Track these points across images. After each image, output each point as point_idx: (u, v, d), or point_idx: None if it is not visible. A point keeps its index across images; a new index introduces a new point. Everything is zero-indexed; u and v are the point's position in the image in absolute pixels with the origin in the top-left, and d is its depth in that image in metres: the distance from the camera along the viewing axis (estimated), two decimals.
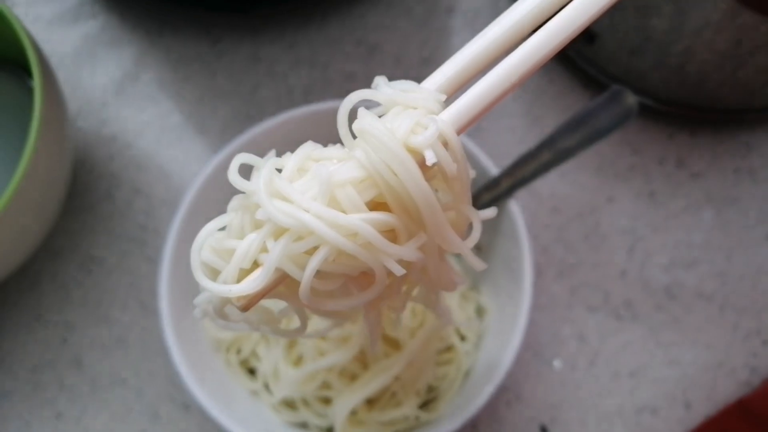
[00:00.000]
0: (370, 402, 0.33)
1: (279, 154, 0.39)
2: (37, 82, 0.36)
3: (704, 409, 0.40)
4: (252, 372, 0.37)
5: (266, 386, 0.36)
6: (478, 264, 0.23)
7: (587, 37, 0.43)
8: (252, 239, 0.21)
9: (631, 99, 0.31)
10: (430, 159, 0.20)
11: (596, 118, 0.32)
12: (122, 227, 0.45)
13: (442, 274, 0.23)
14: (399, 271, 0.21)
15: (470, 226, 0.23)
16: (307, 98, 0.48)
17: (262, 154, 0.38)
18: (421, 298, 0.26)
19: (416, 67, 0.49)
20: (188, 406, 0.41)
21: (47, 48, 0.47)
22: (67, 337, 0.43)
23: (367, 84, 0.51)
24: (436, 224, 0.21)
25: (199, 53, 0.49)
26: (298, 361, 0.35)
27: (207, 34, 0.50)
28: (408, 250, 0.21)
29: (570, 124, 0.33)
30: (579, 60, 0.46)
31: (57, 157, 0.38)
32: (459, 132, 0.21)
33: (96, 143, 0.47)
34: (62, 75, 0.49)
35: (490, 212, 0.24)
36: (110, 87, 0.49)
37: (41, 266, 0.44)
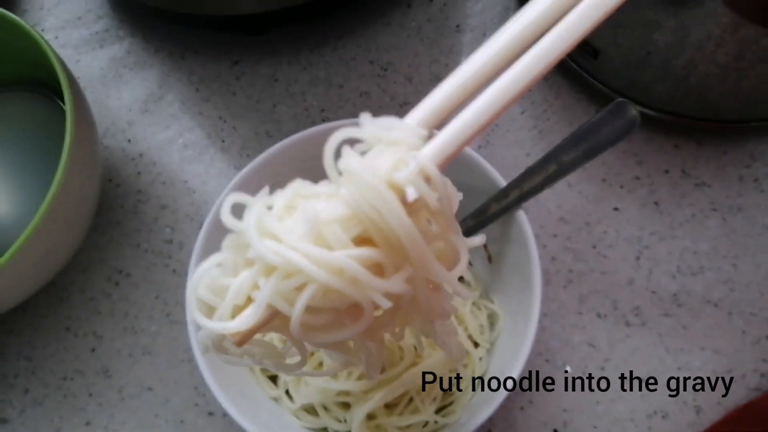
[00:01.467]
0: (388, 406, 0.35)
1: (294, 173, 0.41)
2: (68, 103, 0.38)
3: (715, 414, 0.41)
4: (274, 379, 0.39)
5: (287, 393, 0.38)
6: (464, 293, 0.24)
7: (591, 51, 0.45)
8: (244, 277, 0.22)
9: (633, 111, 0.32)
10: (411, 195, 0.21)
11: (600, 130, 0.34)
12: (148, 241, 0.47)
13: (433, 303, 0.23)
14: (385, 304, 0.21)
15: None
16: (323, 116, 0.50)
17: (280, 171, 0.40)
18: (420, 328, 0.26)
19: (427, 83, 0.51)
20: (212, 413, 0.43)
21: (76, 70, 0.50)
22: (95, 347, 0.45)
23: (380, 102, 0.53)
24: (421, 257, 0.21)
25: (219, 74, 0.52)
26: (319, 368, 0.36)
27: (226, 55, 0.52)
28: (394, 284, 0.21)
29: (575, 136, 0.34)
30: (584, 74, 0.47)
31: (87, 175, 0.40)
32: (442, 166, 0.22)
33: (123, 161, 0.49)
34: (90, 96, 0.51)
35: (479, 240, 0.25)
36: (135, 107, 0.51)
37: (71, 279, 0.46)
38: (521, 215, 0.36)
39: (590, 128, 0.34)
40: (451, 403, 0.37)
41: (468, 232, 0.39)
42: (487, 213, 0.37)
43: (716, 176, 0.46)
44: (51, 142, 0.46)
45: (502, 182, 0.37)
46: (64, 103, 0.46)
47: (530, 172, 0.36)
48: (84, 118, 0.40)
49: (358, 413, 0.34)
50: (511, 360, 0.35)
